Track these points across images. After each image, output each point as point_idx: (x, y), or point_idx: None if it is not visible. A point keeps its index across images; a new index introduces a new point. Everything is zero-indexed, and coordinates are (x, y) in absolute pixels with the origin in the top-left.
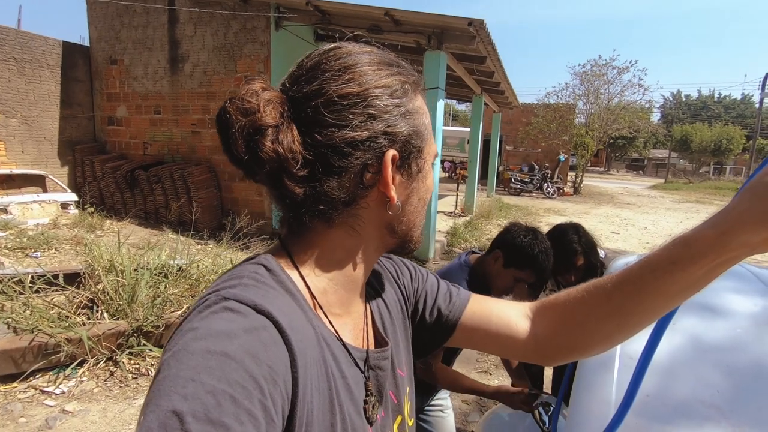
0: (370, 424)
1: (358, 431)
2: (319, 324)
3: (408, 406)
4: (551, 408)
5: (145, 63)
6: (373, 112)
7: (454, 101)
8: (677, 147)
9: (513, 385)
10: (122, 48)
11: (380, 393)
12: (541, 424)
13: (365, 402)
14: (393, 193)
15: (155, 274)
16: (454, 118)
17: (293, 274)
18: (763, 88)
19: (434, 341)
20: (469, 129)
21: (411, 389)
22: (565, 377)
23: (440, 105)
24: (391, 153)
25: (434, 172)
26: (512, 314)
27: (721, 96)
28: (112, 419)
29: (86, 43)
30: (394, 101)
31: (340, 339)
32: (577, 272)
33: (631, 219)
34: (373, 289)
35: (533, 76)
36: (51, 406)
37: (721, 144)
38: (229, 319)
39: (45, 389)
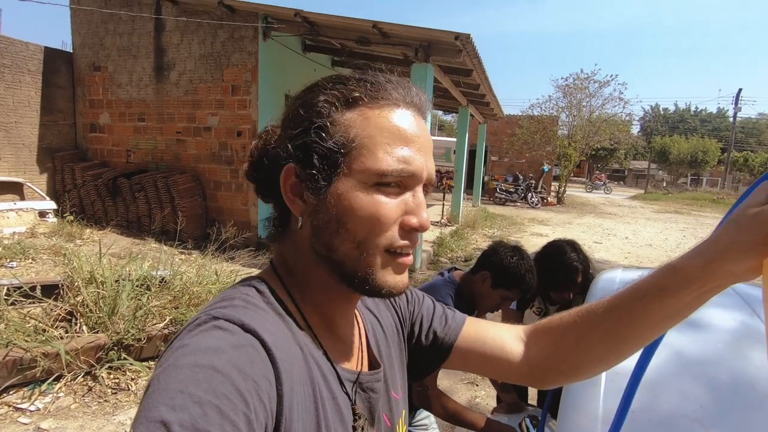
0: None
1: None
2: (309, 344)
3: (403, 429)
4: (538, 420)
5: (130, 70)
6: (288, 130)
7: (440, 112)
8: (656, 158)
9: (498, 397)
10: (106, 55)
11: (372, 415)
12: None
13: (354, 426)
14: (290, 204)
15: (137, 286)
16: (440, 128)
17: (284, 296)
18: (736, 103)
19: (430, 364)
20: (455, 139)
21: (406, 412)
22: (549, 391)
23: (427, 116)
24: (287, 167)
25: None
26: (506, 337)
27: (698, 109)
28: None
29: (69, 49)
30: (302, 117)
31: (329, 360)
32: (576, 289)
33: (613, 229)
34: (368, 311)
35: (517, 88)
36: (25, 424)
37: (697, 156)
38: (217, 336)
39: (19, 406)
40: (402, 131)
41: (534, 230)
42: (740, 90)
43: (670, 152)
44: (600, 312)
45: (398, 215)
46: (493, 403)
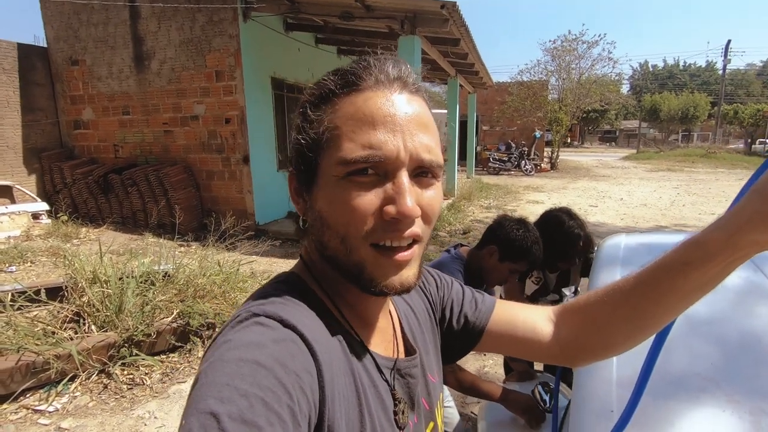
0: (401, 429)
1: None
2: (347, 336)
3: (441, 412)
4: (549, 387)
5: (109, 62)
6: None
7: (428, 84)
8: (647, 117)
9: (508, 365)
10: (82, 47)
11: (411, 400)
12: (541, 403)
13: (395, 411)
14: (297, 207)
15: (141, 282)
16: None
17: (317, 289)
18: (725, 55)
19: (462, 348)
20: (445, 111)
21: (443, 394)
22: None
23: (415, 87)
24: (291, 170)
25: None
26: (537, 319)
27: (686, 64)
28: None
29: (43, 43)
30: (296, 120)
31: (367, 350)
32: (579, 255)
33: (608, 191)
34: (401, 298)
35: (506, 54)
36: (46, 425)
37: (688, 112)
38: (259, 332)
39: (37, 408)
40: (369, 114)
41: (530, 198)
42: (729, 41)
43: (661, 110)
44: (626, 289)
45: (376, 205)
46: (502, 372)
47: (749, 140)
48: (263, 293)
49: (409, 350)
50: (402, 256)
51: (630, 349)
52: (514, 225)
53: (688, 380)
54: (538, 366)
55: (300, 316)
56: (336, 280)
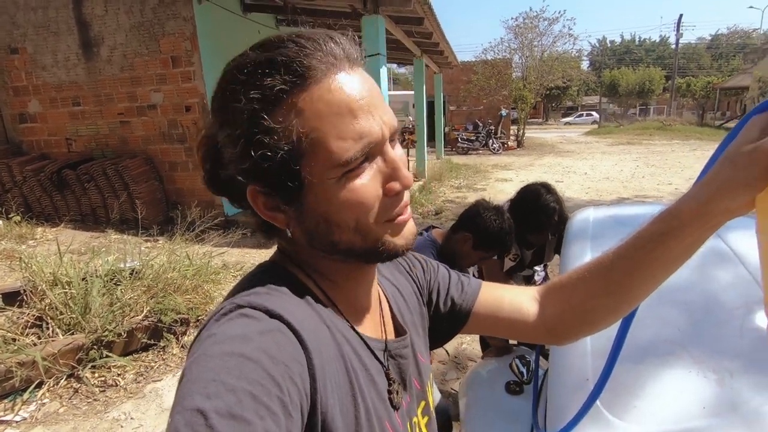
0: (396, 409)
1: (383, 418)
2: (335, 320)
3: (432, 391)
4: (526, 360)
5: (53, 50)
6: (229, 149)
7: (395, 65)
8: (606, 92)
9: (484, 341)
10: (22, 34)
11: (403, 380)
12: (519, 375)
13: (389, 390)
14: (277, 222)
15: (107, 281)
16: (395, 82)
17: (303, 276)
18: (677, 29)
19: (449, 330)
20: (412, 92)
21: (432, 375)
22: None
23: (383, 71)
24: (250, 189)
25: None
26: (523, 300)
27: (642, 39)
28: None
29: None
30: (234, 133)
31: (357, 332)
32: (553, 229)
33: (572, 166)
34: (387, 280)
35: (469, 33)
36: None
37: (644, 86)
38: (244, 324)
39: (3, 418)
40: (343, 104)
41: (498, 176)
42: (681, 16)
43: (619, 84)
44: (606, 264)
45: (379, 187)
46: (479, 349)
47: (701, 112)
48: (246, 284)
49: (399, 331)
50: (406, 218)
51: (613, 323)
52: (492, 215)
53: (656, 346)
54: (514, 341)
55: (285, 304)
56: (327, 270)
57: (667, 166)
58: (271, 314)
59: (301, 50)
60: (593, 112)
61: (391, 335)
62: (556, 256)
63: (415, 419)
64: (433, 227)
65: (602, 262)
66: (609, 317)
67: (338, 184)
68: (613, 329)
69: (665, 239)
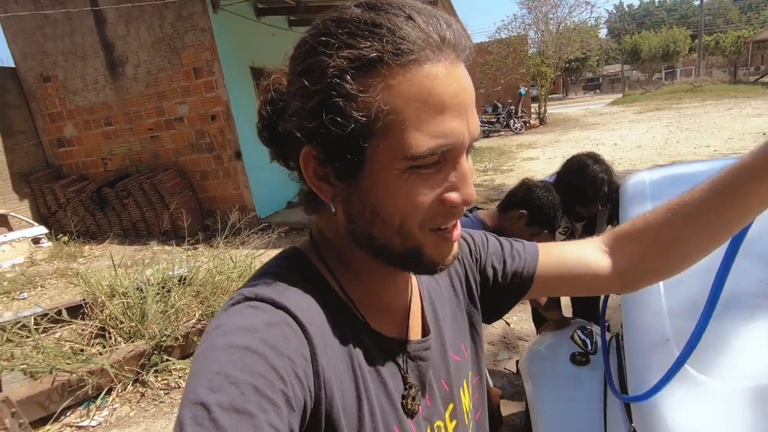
0: (411, 416)
1: (390, 422)
2: (349, 317)
3: (468, 390)
4: (588, 330)
5: (82, 74)
6: (298, 102)
7: None
8: (628, 59)
9: (538, 316)
10: (52, 62)
11: (422, 383)
12: (583, 346)
13: (404, 395)
14: (317, 191)
15: (160, 288)
16: None
17: (322, 268)
18: None
19: (512, 299)
20: None
21: (473, 373)
22: (588, 300)
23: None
24: (304, 150)
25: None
26: (588, 253)
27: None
28: None
29: (10, 63)
30: (311, 88)
31: (373, 331)
32: (604, 200)
33: (600, 138)
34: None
35: (483, 13)
36: None
37: (668, 48)
38: (250, 315)
39: (80, 425)
40: (435, 96)
41: (524, 155)
42: None
43: (642, 50)
44: (697, 203)
45: (438, 195)
46: (527, 328)
47: (733, 69)
48: (261, 272)
49: (426, 331)
50: (455, 235)
51: (696, 262)
52: (543, 191)
53: (738, 299)
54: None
55: (294, 297)
56: (357, 263)
57: (702, 129)
58: (278, 306)
59: (411, 23)
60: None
61: (417, 335)
62: (608, 227)
63: (438, 423)
64: (478, 208)
65: (689, 202)
66: (693, 258)
67: (400, 178)
68: (686, 286)
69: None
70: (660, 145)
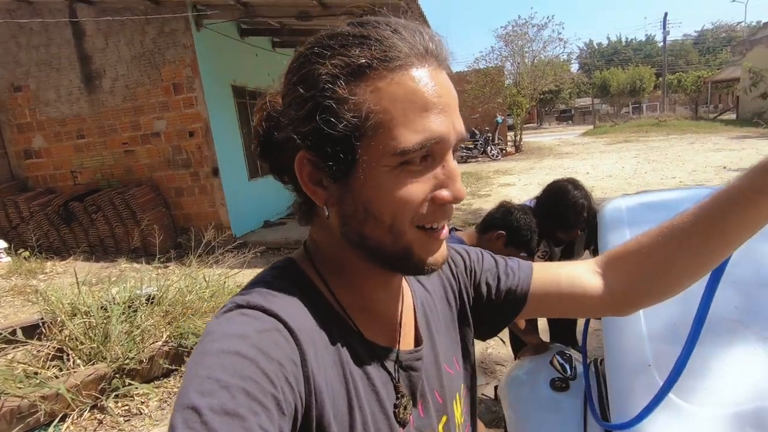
0: (402, 425)
1: (382, 430)
2: (341, 325)
3: (460, 404)
4: (567, 355)
5: (56, 85)
6: (292, 111)
7: None
8: (598, 93)
9: (516, 341)
10: (24, 72)
11: (413, 393)
12: (562, 371)
13: (396, 404)
14: (312, 195)
15: (125, 309)
16: None
17: (315, 277)
18: (664, 27)
19: (506, 317)
20: None
21: (466, 386)
22: (559, 323)
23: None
24: (299, 155)
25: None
26: (581, 273)
27: (628, 39)
28: None
29: None
30: (306, 94)
31: (364, 338)
32: (583, 225)
33: (573, 167)
34: (419, 284)
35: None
36: None
37: (635, 84)
38: (242, 322)
39: None
40: (420, 95)
41: (501, 181)
42: (666, 14)
43: (611, 85)
44: (687, 226)
45: (428, 192)
46: (505, 352)
47: (694, 106)
48: (253, 281)
49: (418, 341)
50: (444, 234)
51: (689, 286)
52: (521, 213)
53: (715, 325)
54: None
55: (285, 305)
56: (352, 269)
57: (667, 161)
58: (268, 313)
59: (396, 35)
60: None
61: (409, 345)
62: (585, 252)
63: None
64: (456, 229)
65: (679, 225)
66: (685, 282)
67: (390, 174)
68: (666, 310)
69: (758, 198)
70: (629, 174)
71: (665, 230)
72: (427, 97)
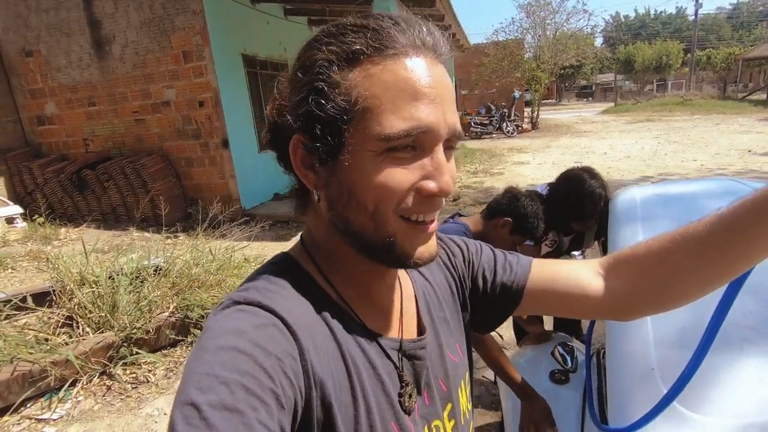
0: (407, 413)
1: (387, 419)
2: (342, 317)
3: (465, 391)
4: (569, 346)
5: (66, 50)
6: (293, 97)
7: None
8: (621, 69)
9: (519, 329)
10: (35, 36)
11: (417, 382)
12: (563, 363)
13: (400, 393)
14: (303, 178)
15: (133, 279)
16: None
17: (313, 271)
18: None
19: (502, 313)
20: None
21: (469, 373)
22: (591, 321)
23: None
24: (294, 138)
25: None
26: (582, 274)
27: (657, 12)
28: None
29: None
30: (303, 79)
31: (367, 329)
32: (598, 216)
33: (590, 146)
34: (421, 276)
35: (481, 16)
36: None
37: (661, 60)
38: (239, 318)
39: (40, 417)
40: (411, 84)
41: (515, 159)
42: None
43: (635, 60)
44: (703, 235)
45: (413, 181)
46: (508, 336)
47: (722, 85)
48: (250, 278)
49: (422, 331)
50: (430, 228)
51: (698, 298)
52: (529, 200)
53: (728, 332)
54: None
55: (282, 300)
56: (344, 258)
57: (690, 143)
58: (266, 309)
59: (394, 26)
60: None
61: (412, 334)
62: (595, 243)
63: (437, 423)
64: (460, 215)
65: (694, 235)
66: (697, 293)
67: (374, 160)
68: (674, 316)
69: None
70: (648, 156)
71: (678, 237)
72: (418, 87)
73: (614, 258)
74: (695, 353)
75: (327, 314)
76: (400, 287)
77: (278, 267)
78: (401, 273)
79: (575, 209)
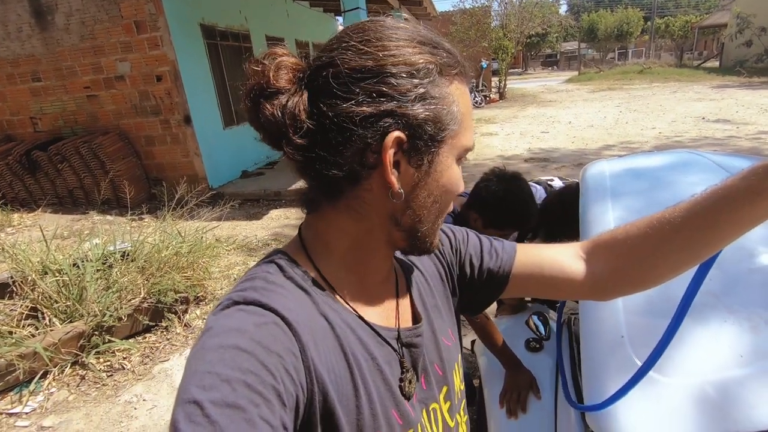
0: (407, 399)
1: (388, 407)
2: (339, 311)
3: (459, 372)
4: (544, 316)
5: (2, 20)
6: (384, 89)
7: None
8: (585, 37)
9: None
10: None
11: (415, 369)
12: (537, 332)
13: (401, 379)
14: (393, 179)
15: (100, 265)
16: None
17: (308, 267)
18: None
19: (488, 297)
20: None
21: (461, 356)
22: None
23: None
24: (395, 135)
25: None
26: (564, 258)
27: None
28: (99, 422)
29: None
30: (413, 81)
31: (365, 322)
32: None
33: (556, 116)
34: (410, 264)
35: None
36: (25, 426)
37: (623, 28)
38: (239, 317)
39: (11, 411)
40: (470, 107)
41: (483, 130)
42: None
43: (598, 28)
44: (677, 221)
45: None
46: (491, 307)
47: (679, 53)
48: (248, 277)
49: (417, 319)
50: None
51: (672, 278)
52: (498, 188)
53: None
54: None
55: (281, 298)
56: (346, 250)
57: (649, 110)
58: (265, 308)
59: (454, 52)
60: None
61: (408, 323)
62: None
63: (434, 405)
64: None
65: (670, 219)
66: (669, 274)
67: (454, 166)
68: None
69: (756, 199)
70: (610, 125)
71: (655, 222)
72: (470, 109)
73: (594, 242)
74: (666, 331)
75: (326, 310)
76: (396, 279)
77: (275, 265)
78: (395, 264)
79: (575, 227)
